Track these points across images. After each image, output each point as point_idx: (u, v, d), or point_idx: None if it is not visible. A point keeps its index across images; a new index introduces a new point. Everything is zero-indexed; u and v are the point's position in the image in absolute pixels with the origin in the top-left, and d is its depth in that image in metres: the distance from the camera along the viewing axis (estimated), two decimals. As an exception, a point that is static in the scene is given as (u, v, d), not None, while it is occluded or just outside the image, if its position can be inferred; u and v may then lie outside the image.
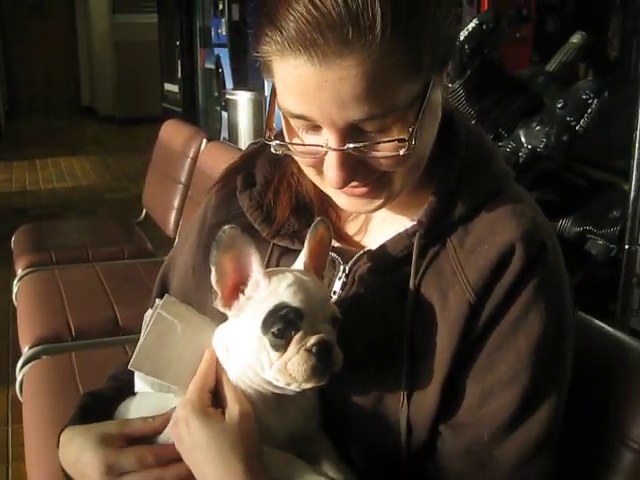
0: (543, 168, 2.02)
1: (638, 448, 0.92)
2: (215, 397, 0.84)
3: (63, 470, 0.96)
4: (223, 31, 6.87)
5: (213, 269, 0.81)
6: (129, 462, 0.87)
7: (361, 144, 0.77)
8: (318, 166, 0.83)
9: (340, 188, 0.82)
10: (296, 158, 0.86)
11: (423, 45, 0.75)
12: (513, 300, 0.84)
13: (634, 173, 1.66)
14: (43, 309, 2.45)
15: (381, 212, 0.92)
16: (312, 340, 0.77)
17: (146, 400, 0.95)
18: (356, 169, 0.80)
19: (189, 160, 3.05)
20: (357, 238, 0.97)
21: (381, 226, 0.94)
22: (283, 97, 0.79)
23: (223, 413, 0.82)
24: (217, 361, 0.85)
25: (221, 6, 6.84)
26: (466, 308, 0.84)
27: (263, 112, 5.84)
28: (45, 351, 2.19)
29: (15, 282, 2.84)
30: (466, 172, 0.89)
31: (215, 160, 2.69)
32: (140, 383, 0.88)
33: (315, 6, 0.71)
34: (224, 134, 6.65)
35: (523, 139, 1.90)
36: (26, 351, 2.20)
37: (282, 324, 0.78)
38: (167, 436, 0.88)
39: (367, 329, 0.88)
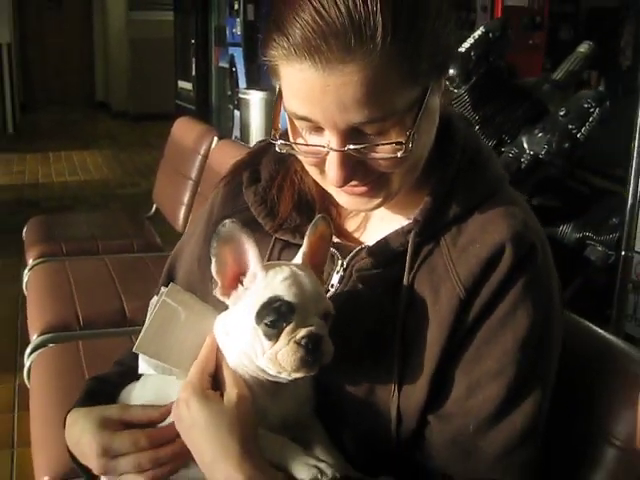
0: (546, 174, 2.06)
1: (620, 445, 0.95)
2: (215, 381, 0.88)
3: (68, 449, 1.01)
4: (238, 31, 6.92)
5: (213, 260, 0.86)
6: (124, 445, 0.91)
7: (361, 146, 0.82)
8: (320, 165, 0.87)
9: (340, 187, 0.86)
10: (299, 157, 0.91)
11: (422, 53, 0.80)
12: (502, 297, 0.88)
13: (631, 181, 1.69)
14: (52, 298, 2.50)
15: (379, 210, 0.96)
16: (302, 333, 0.81)
17: (148, 384, 0.99)
18: (356, 169, 0.84)
19: (200, 157, 3.09)
20: (356, 235, 1.01)
21: (379, 224, 0.99)
22: (288, 99, 0.83)
23: (222, 396, 0.86)
24: (217, 347, 0.90)
25: (237, 6, 6.89)
26: (456, 303, 0.88)
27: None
28: (53, 339, 2.24)
29: (26, 272, 2.90)
30: (462, 174, 0.93)
31: (225, 158, 2.73)
32: (144, 365, 0.92)
33: (320, 15, 0.75)
34: (236, 133, 6.70)
35: (525, 145, 1.93)
36: (35, 338, 2.25)
37: (274, 316, 0.82)
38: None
39: (362, 322, 0.93)
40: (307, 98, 0.80)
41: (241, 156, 1.13)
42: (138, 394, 1.00)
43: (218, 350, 0.90)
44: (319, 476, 0.83)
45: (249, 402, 0.86)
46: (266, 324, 0.82)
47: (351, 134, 0.81)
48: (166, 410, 0.92)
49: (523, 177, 1.93)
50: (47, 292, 2.57)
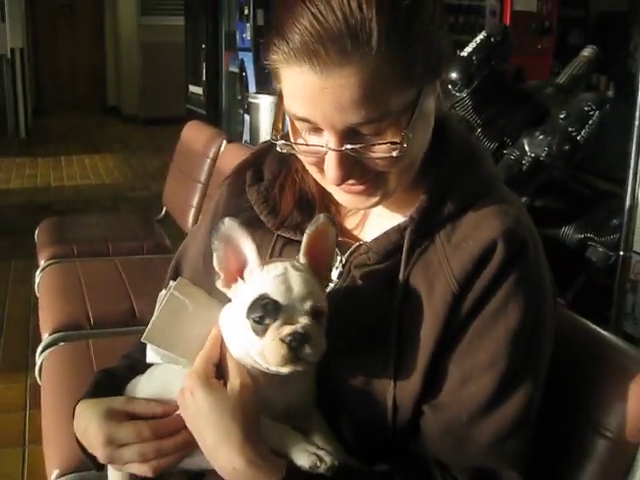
0: (549, 177, 2.09)
1: (610, 436, 0.98)
2: (219, 370, 0.91)
3: (77, 439, 1.04)
4: (248, 35, 6.96)
5: (215, 255, 0.90)
6: (128, 435, 0.95)
7: (358, 145, 0.85)
8: (319, 165, 0.91)
9: (338, 185, 0.90)
10: (300, 157, 0.95)
11: (416, 57, 0.83)
12: (494, 292, 0.91)
13: (629, 182, 1.72)
14: (64, 298, 2.54)
15: (378, 209, 1.00)
16: (286, 331, 0.84)
17: (154, 377, 1.03)
18: (353, 168, 0.88)
19: (209, 160, 3.13)
20: (355, 232, 1.05)
21: (377, 221, 1.02)
22: (289, 101, 0.87)
23: (225, 385, 0.89)
24: (222, 338, 0.94)
25: (247, 11, 6.93)
26: (450, 298, 0.91)
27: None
28: (64, 338, 2.28)
29: (37, 272, 2.94)
30: (456, 174, 0.97)
31: (233, 161, 2.71)
32: (152, 354, 0.97)
33: (318, 21, 0.79)
34: (246, 137, 6.73)
35: (527, 147, 1.97)
36: (46, 337, 2.29)
37: (261, 313, 0.85)
38: None
39: (360, 315, 0.96)
40: (306, 100, 0.83)
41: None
42: (144, 386, 1.04)
43: (222, 341, 0.93)
44: (318, 463, 0.86)
45: (251, 391, 0.89)
46: (254, 320, 0.86)
47: (348, 134, 0.85)
48: (169, 407, 0.95)
49: (525, 179, 1.96)
50: (58, 292, 2.62)
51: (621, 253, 1.77)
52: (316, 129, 0.87)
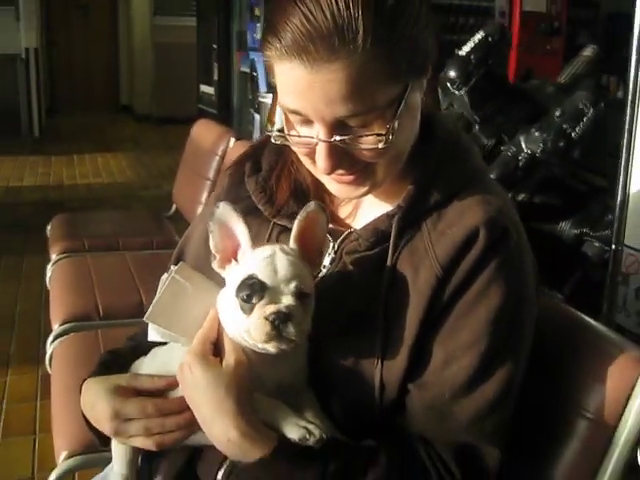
0: (548, 173, 2.14)
1: (590, 417, 1.03)
2: (216, 348, 0.97)
3: (83, 415, 1.10)
4: (258, 36, 7.02)
5: (210, 237, 0.96)
6: (133, 410, 1.00)
7: (346, 137, 0.91)
8: (311, 155, 0.96)
9: (328, 174, 0.95)
10: (293, 148, 1.00)
11: (401, 55, 0.88)
12: (475, 276, 0.96)
13: (621, 177, 1.76)
14: (74, 290, 2.61)
15: (369, 198, 1.05)
16: (270, 309, 0.89)
17: (157, 357, 1.09)
18: (342, 159, 0.93)
19: (217, 158, 3.18)
20: (348, 221, 1.10)
21: (368, 210, 1.07)
22: (282, 95, 0.93)
23: (221, 362, 0.95)
24: (219, 318, 0.99)
25: (257, 12, 7.00)
26: (434, 281, 0.96)
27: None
28: (74, 328, 2.34)
29: (49, 266, 3.01)
30: (442, 166, 1.02)
31: None
32: (153, 333, 1.02)
33: (308, 20, 0.85)
34: (256, 135, 6.79)
35: (523, 144, 2.02)
36: (57, 327, 2.35)
37: (248, 292, 0.90)
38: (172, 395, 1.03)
39: (350, 299, 1.01)
40: (297, 93, 0.89)
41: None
42: (148, 365, 1.10)
43: (219, 321, 0.98)
44: (307, 435, 0.91)
45: (245, 368, 0.94)
46: (242, 298, 0.91)
47: (337, 126, 0.90)
48: (172, 380, 1.01)
49: (521, 174, 2.01)
50: (69, 284, 2.68)
51: (613, 247, 1.82)
52: (307, 121, 0.92)
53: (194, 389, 0.94)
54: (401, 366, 0.97)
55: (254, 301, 0.90)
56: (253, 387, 0.95)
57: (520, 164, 2.00)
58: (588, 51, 2.47)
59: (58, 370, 2.06)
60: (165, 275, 1.05)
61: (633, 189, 1.73)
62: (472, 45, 2.11)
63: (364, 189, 0.99)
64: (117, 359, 1.16)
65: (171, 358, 1.03)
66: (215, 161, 3.19)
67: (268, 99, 6.15)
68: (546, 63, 5.52)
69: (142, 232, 3.40)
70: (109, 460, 1.16)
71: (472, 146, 1.09)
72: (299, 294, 0.91)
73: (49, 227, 3.49)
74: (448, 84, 2.08)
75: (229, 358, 0.95)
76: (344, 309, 1.01)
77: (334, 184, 1.00)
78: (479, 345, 0.95)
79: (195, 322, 0.99)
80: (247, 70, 7.56)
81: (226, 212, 0.95)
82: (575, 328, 1.13)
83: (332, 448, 0.93)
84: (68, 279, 2.76)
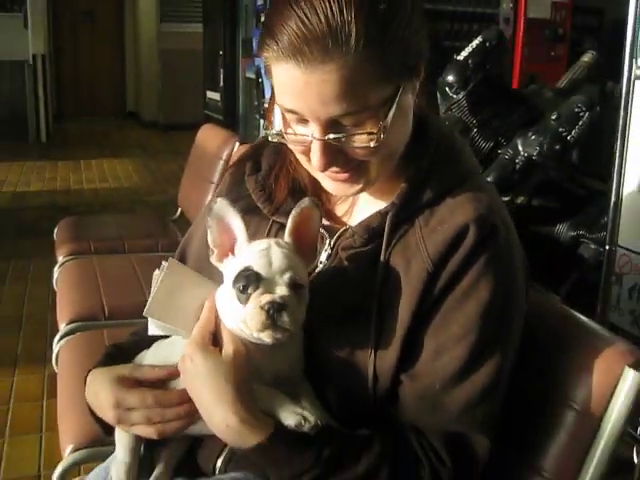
0: (545, 177, 2.17)
1: (577, 407, 1.06)
2: (215, 339, 1.01)
3: (88, 405, 1.14)
4: (264, 42, 7.05)
5: (208, 231, 1.00)
6: (134, 400, 1.04)
7: (340, 135, 0.94)
8: (307, 153, 1.00)
9: (322, 171, 0.99)
10: (290, 146, 1.04)
11: (393, 57, 0.92)
12: (466, 271, 0.99)
13: (614, 179, 1.79)
14: (80, 291, 2.64)
15: (364, 196, 1.09)
16: (265, 299, 0.93)
17: (159, 351, 1.13)
18: (336, 157, 0.97)
19: (222, 162, 3.20)
20: (344, 218, 1.14)
21: (364, 207, 1.11)
22: (278, 95, 0.97)
23: (220, 351, 0.99)
24: (217, 310, 1.03)
25: (263, 18, 7.05)
26: (425, 276, 1.00)
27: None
28: (80, 328, 2.37)
29: (56, 268, 3.04)
30: (436, 165, 1.05)
31: None
32: (153, 327, 1.06)
33: (303, 23, 0.89)
34: (262, 141, 6.82)
35: (520, 147, 2.05)
36: (63, 327, 2.39)
37: (244, 282, 0.95)
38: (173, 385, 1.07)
39: (345, 293, 1.05)
40: (293, 93, 0.93)
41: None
42: (150, 357, 1.14)
43: (217, 313, 1.02)
44: (303, 422, 0.94)
45: (244, 357, 0.98)
46: (239, 289, 0.95)
47: (331, 125, 0.94)
48: (173, 370, 1.04)
49: (518, 177, 2.05)
50: (75, 285, 2.72)
51: (606, 247, 1.85)
52: (303, 120, 0.96)
53: (195, 377, 0.98)
54: (393, 357, 1.00)
55: (250, 291, 0.94)
56: (251, 378, 0.99)
57: (517, 167, 2.04)
58: (587, 57, 2.51)
59: (64, 368, 2.10)
60: (157, 271, 1.09)
61: (626, 191, 1.77)
62: (470, 50, 2.16)
63: (358, 187, 1.03)
64: (121, 351, 1.20)
65: (172, 351, 1.07)
66: (220, 165, 3.21)
67: (273, 105, 6.17)
68: (550, 70, 5.54)
69: (147, 235, 3.44)
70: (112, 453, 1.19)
71: (465, 147, 1.13)
72: (293, 285, 0.95)
73: (56, 230, 3.53)
74: (447, 88, 2.12)
75: (228, 348, 0.98)
76: (340, 302, 1.04)
77: (329, 182, 1.04)
78: (469, 337, 0.98)
79: (192, 314, 1.03)
80: (253, 76, 7.60)
81: (223, 207, 0.99)
82: (564, 323, 1.16)
83: (327, 434, 0.97)
84: (74, 280, 2.79)
